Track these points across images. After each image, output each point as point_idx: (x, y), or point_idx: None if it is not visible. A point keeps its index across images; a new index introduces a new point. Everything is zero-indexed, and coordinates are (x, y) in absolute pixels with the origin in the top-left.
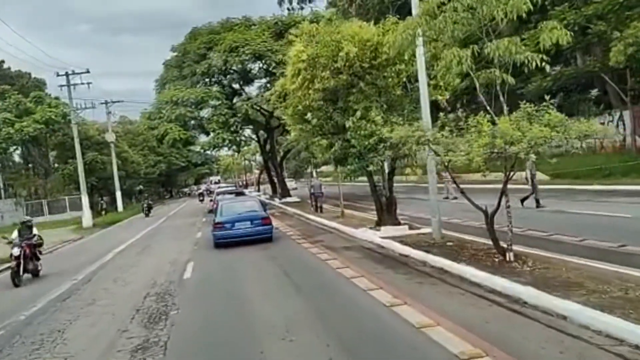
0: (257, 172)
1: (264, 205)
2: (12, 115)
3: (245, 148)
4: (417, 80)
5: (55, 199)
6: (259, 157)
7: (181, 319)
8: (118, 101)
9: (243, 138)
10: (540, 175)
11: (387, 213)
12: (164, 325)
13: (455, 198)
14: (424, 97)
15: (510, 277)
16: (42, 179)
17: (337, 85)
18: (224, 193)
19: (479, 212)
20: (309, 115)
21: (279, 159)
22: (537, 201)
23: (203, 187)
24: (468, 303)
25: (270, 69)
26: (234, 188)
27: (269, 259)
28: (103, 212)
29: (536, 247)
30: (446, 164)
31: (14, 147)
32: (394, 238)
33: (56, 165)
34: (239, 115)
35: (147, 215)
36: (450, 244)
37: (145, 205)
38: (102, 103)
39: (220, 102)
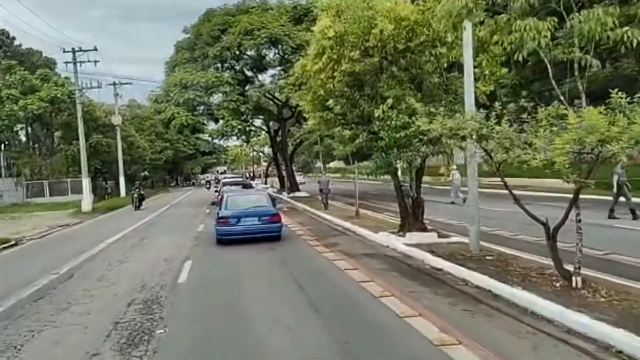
0: (265, 164)
1: (273, 200)
2: (17, 92)
3: (255, 139)
4: (455, 69)
5: (57, 180)
6: (267, 149)
7: (167, 343)
8: (127, 83)
9: (253, 128)
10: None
11: (412, 217)
12: (144, 350)
13: (453, 203)
14: (469, 83)
15: (587, 311)
16: (46, 159)
17: (364, 70)
18: (230, 184)
19: (500, 219)
20: (331, 101)
21: (289, 151)
22: (633, 212)
23: (210, 176)
24: (548, 350)
25: (286, 56)
26: (241, 179)
27: (278, 264)
28: (107, 197)
29: (596, 269)
30: (498, 165)
31: (20, 125)
32: (420, 246)
33: (60, 146)
34: (250, 103)
35: (137, 208)
36: (490, 257)
37: (135, 195)
38: (110, 84)
39: (232, 87)
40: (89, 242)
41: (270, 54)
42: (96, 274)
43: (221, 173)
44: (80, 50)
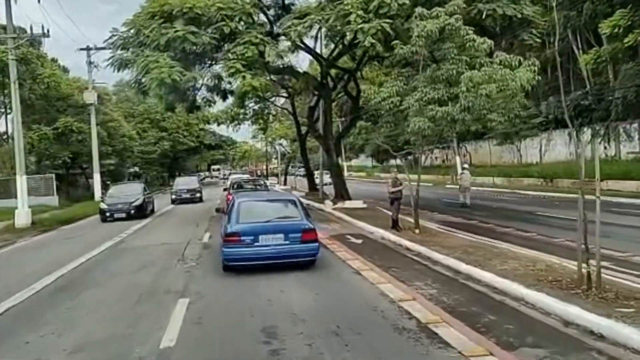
0: (285, 160)
1: (303, 207)
2: None
3: (273, 127)
4: None
5: (7, 177)
6: (286, 143)
7: None
8: (103, 48)
9: (272, 112)
10: None
11: None
12: None
13: (465, 205)
14: None
15: None
16: None
17: None
18: (239, 185)
19: None
20: None
21: (333, 137)
22: None
23: (216, 173)
24: None
25: None
26: (253, 178)
27: None
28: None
29: None
30: None
31: None
32: None
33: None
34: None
35: None
36: None
37: None
38: (82, 49)
39: (251, 21)
40: None
41: None
42: None
43: (216, 170)
44: None
